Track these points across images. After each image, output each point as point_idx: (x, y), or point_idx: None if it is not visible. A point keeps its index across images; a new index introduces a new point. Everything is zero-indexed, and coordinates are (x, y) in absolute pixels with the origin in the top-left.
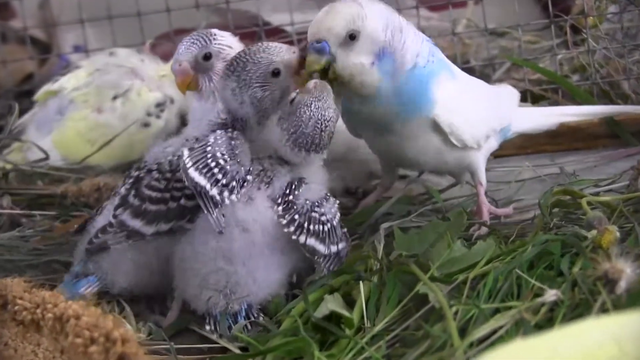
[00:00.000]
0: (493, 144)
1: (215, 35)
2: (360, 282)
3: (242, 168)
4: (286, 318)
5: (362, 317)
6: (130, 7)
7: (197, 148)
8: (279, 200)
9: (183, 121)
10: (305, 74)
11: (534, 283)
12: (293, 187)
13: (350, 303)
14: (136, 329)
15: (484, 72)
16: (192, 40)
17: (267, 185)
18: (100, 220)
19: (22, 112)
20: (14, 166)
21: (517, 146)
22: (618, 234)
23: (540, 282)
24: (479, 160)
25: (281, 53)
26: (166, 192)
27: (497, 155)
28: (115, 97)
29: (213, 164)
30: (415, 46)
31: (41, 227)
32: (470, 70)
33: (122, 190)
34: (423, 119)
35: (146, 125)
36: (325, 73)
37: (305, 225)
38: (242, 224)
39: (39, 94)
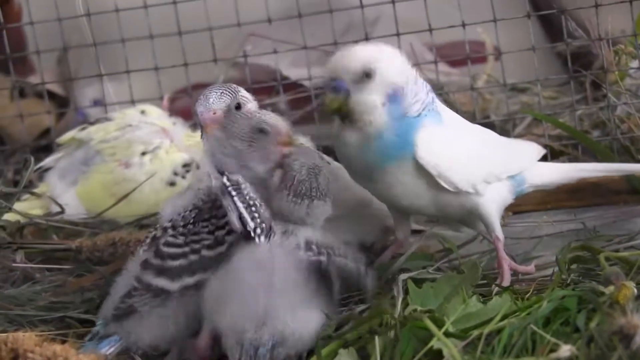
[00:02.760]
0: (504, 194)
1: (236, 87)
2: (376, 336)
3: (268, 214)
4: None
5: None
6: (148, 61)
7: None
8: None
9: None
10: (326, 111)
11: (549, 339)
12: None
13: (364, 357)
14: None
15: (504, 128)
16: (220, 91)
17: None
18: (121, 283)
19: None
20: (29, 219)
21: (537, 201)
22: (635, 290)
23: (555, 337)
24: (487, 208)
25: (273, 119)
26: (185, 246)
27: (516, 211)
28: (144, 153)
29: (251, 202)
30: (424, 98)
31: (54, 282)
32: (490, 126)
33: (141, 253)
34: (404, 164)
35: (172, 184)
36: (340, 112)
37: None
38: (280, 258)
39: (63, 138)
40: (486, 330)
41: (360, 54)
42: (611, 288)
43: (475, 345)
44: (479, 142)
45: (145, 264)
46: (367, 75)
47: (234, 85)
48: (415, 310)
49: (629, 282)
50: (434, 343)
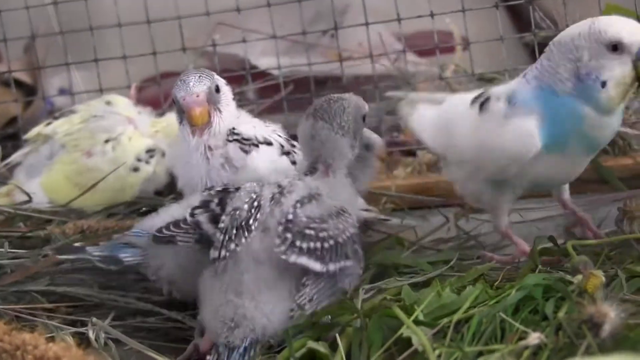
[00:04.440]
0: None
1: (209, 70)
2: (340, 329)
3: (238, 214)
4: None
5: None
6: (116, 50)
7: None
8: (283, 220)
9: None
10: None
11: (518, 326)
12: (300, 204)
13: (335, 348)
14: None
15: None
16: (197, 75)
17: (278, 207)
18: (174, 207)
19: (5, 156)
20: None
21: None
22: (603, 279)
23: (524, 325)
24: None
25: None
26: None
27: None
28: (107, 141)
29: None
30: None
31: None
32: None
33: (205, 194)
34: None
35: (135, 169)
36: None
37: (298, 243)
38: (255, 255)
39: (30, 134)
40: (455, 317)
41: None
42: (579, 277)
43: (445, 333)
44: None
45: (205, 205)
46: None
47: (207, 70)
48: (385, 299)
49: (597, 271)
50: (404, 331)
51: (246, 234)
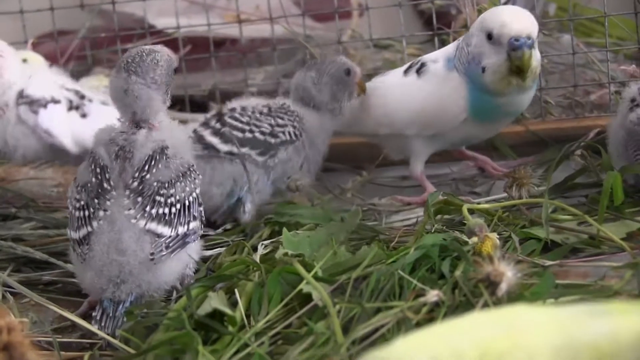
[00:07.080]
0: None
1: None
2: (240, 282)
3: (90, 186)
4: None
5: (249, 315)
6: (12, 5)
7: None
8: (136, 175)
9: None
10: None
11: (415, 284)
12: (152, 162)
13: (234, 301)
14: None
15: None
16: None
17: (129, 162)
18: None
19: None
20: None
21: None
22: (498, 241)
23: (422, 283)
24: None
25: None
26: (246, 125)
27: (381, 164)
28: None
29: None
30: None
31: None
32: None
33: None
34: None
35: None
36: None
37: (148, 209)
38: (127, 213)
39: None
40: (354, 274)
41: (532, 17)
42: (475, 239)
43: (344, 290)
44: None
45: (205, 123)
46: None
47: None
48: (286, 255)
49: (492, 234)
50: (304, 287)
51: (107, 195)
